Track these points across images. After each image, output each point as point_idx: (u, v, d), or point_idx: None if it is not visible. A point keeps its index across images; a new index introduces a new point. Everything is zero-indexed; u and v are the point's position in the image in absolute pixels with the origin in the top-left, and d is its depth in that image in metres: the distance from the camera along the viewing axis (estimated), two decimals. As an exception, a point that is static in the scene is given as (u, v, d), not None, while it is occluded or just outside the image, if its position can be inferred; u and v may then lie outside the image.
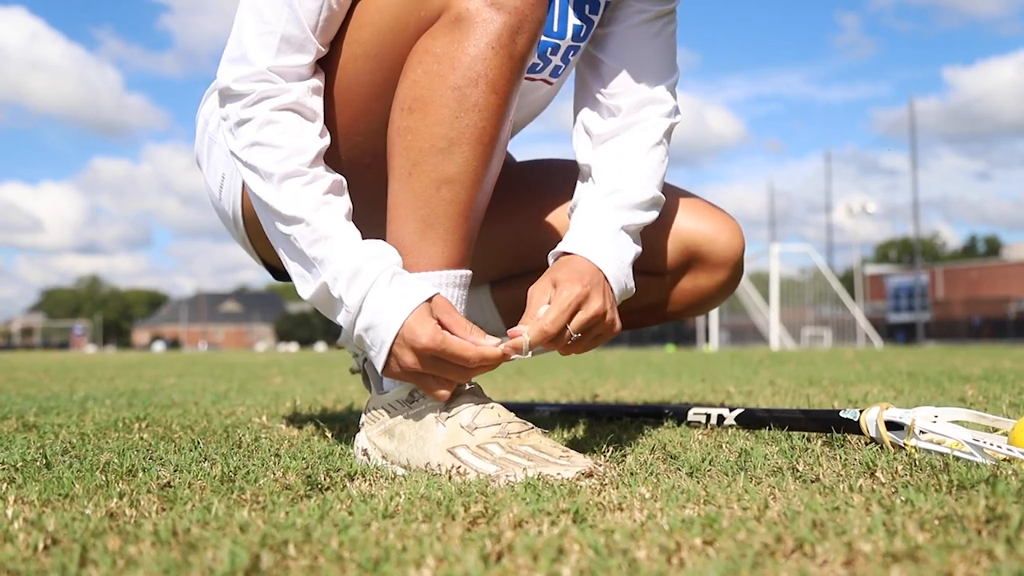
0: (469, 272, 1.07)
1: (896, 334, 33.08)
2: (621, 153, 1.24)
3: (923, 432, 1.09)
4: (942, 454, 1.04)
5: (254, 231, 1.25)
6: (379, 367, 1.02)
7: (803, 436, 1.26)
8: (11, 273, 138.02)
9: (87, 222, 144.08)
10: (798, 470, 0.97)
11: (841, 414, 1.22)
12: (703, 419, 1.42)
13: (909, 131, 26.59)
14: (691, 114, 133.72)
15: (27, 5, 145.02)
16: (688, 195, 1.41)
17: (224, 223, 1.32)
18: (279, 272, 1.36)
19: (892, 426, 1.14)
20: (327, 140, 1.07)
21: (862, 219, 33.63)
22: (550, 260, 1.17)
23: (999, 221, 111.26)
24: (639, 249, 1.20)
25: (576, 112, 1.32)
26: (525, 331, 1.02)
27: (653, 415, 1.52)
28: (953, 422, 1.11)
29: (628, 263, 1.16)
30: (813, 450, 1.11)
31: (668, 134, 1.28)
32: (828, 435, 1.23)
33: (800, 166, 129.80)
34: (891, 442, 1.12)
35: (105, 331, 78.46)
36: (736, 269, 1.38)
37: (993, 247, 63.25)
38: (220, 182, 1.25)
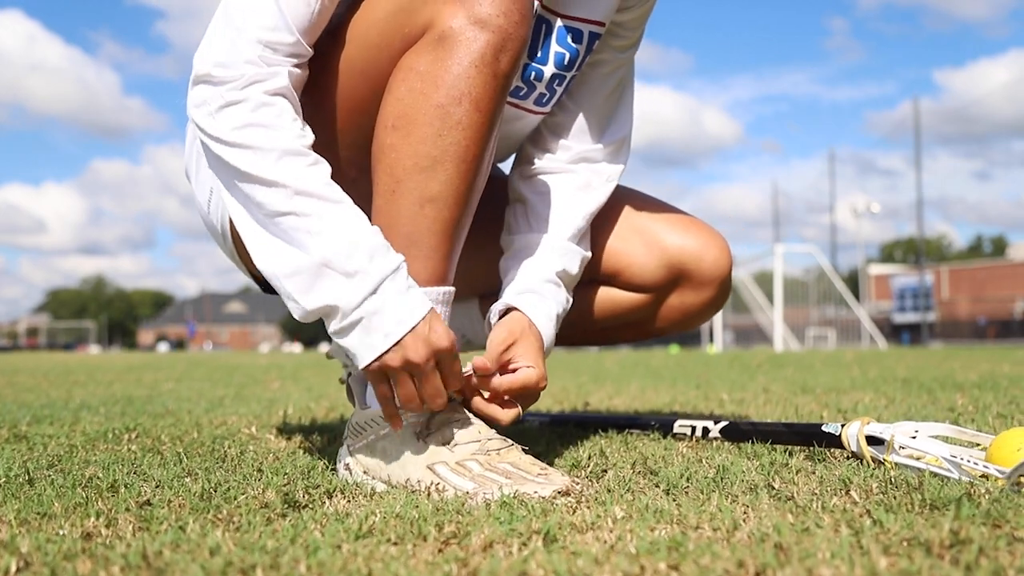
0: (452, 289, 1.08)
1: (901, 334, 33.04)
2: (573, 214, 1.32)
3: (902, 447, 1.10)
4: (920, 470, 1.05)
5: (243, 245, 1.26)
6: (369, 356, 0.97)
7: (785, 450, 1.26)
8: (15, 274, 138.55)
9: (89, 223, 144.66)
10: (774, 487, 0.97)
11: (823, 428, 1.22)
12: (688, 431, 1.43)
13: (911, 131, 26.52)
14: (687, 116, 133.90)
15: (24, 7, 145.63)
16: (674, 210, 1.42)
17: (212, 236, 1.33)
18: (268, 285, 1.37)
19: (873, 441, 1.14)
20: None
21: (864, 219, 33.59)
22: (498, 310, 1.22)
23: (999, 221, 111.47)
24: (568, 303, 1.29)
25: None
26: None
27: (640, 427, 1.52)
28: (933, 437, 1.12)
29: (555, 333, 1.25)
30: (792, 465, 1.12)
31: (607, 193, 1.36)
32: (809, 451, 1.23)
33: (798, 167, 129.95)
34: (872, 457, 1.13)
35: (110, 331, 78.67)
36: (723, 287, 1.39)
37: (999, 247, 63.12)
38: (208, 196, 1.25)
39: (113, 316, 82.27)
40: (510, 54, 1.02)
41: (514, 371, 1.14)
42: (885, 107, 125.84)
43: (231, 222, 1.24)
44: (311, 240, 0.98)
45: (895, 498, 0.89)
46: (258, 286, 1.38)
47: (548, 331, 1.21)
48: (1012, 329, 31.11)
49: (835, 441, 1.20)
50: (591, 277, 1.40)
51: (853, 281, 34.79)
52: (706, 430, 1.40)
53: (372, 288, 0.97)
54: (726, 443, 1.37)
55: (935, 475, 1.02)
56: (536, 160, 1.36)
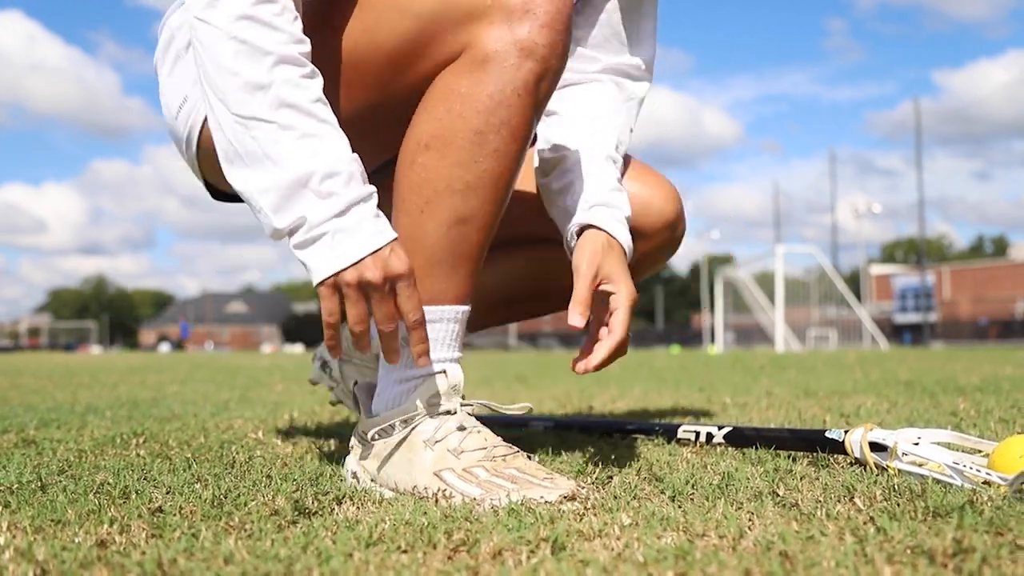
0: (469, 308, 1.09)
1: (903, 335, 33.04)
2: (614, 124, 1.31)
3: (905, 454, 1.11)
4: (923, 476, 1.06)
5: (205, 155, 1.21)
6: (327, 271, 0.96)
7: (789, 456, 1.27)
8: (15, 274, 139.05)
9: (90, 223, 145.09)
10: (778, 494, 0.98)
11: (827, 434, 1.23)
12: (692, 436, 1.44)
13: (911, 131, 26.52)
14: (687, 116, 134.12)
15: (24, 7, 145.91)
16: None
17: (174, 141, 1.28)
18: (219, 192, 1.32)
19: (876, 447, 1.15)
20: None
21: (864, 219, 33.60)
22: (575, 230, 1.20)
23: (999, 221, 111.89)
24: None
25: None
26: (602, 348, 1.14)
27: (644, 433, 1.53)
28: (936, 443, 1.13)
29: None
30: (796, 472, 1.13)
31: (640, 102, 1.36)
32: (812, 456, 1.24)
33: (798, 167, 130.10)
34: (875, 463, 1.14)
35: (112, 331, 78.72)
36: (671, 232, 1.38)
37: (1000, 247, 63.12)
38: (181, 103, 1.22)
39: (114, 316, 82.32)
40: (549, 81, 1.03)
41: (605, 293, 1.16)
42: (885, 107, 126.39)
43: (200, 131, 1.19)
44: (289, 156, 0.95)
45: (899, 505, 0.90)
46: (210, 193, 1.34)
47: (627, 240, 1.21)
48: (1014, 329, 31.11)
49: (838, 447, 1.21)
50: (545, 235, 1.37)
51: (854, 281, 34.79)
52: (710, 435, 1.41)
53: (341, 209, 0.95)
54: (730, 449, 1.38)
55: (938, 482, 1.03)
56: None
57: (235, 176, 0.98)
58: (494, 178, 1.02)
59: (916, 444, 1.11)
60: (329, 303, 0.98)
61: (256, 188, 0.96)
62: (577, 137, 1.29)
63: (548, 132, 1.32)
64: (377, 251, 0.96)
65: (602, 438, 1.56)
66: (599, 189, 1.23)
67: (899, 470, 1.10)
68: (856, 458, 1.18)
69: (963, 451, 1.15)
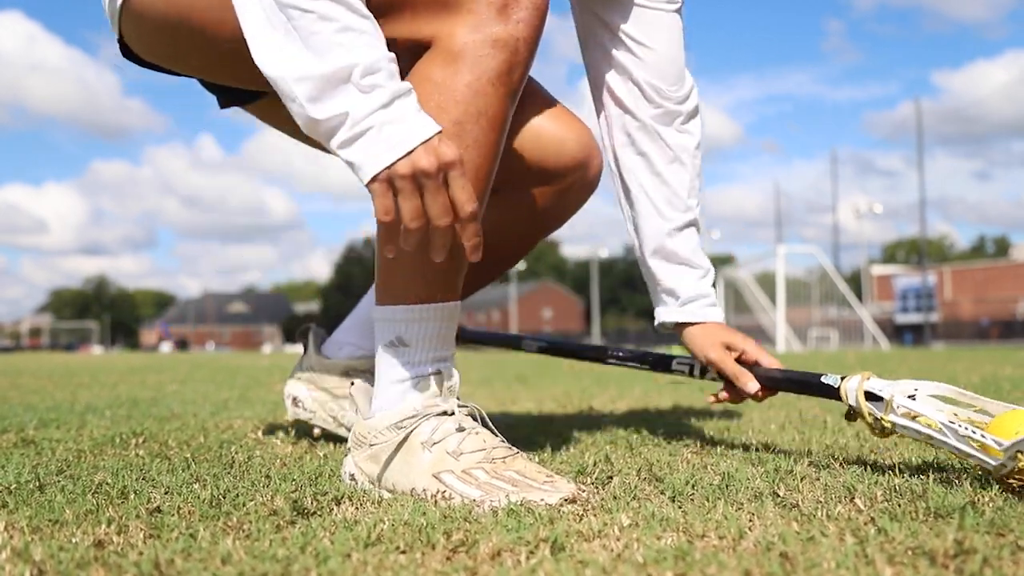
0: (459, 302, 1.08)
1: (904, 335, 33.02)
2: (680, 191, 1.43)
3: (900, 407, 1.09)
4: (918, 432, 1.05)
5: (128, 15, 1.18)
6: (379, 165, 0.92)
7: (790, 456, 1.26)
8: (16, 274, 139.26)
9: (91, 223, 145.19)
10: (779, 495, 0.98)
11: (822, 379, 1.22)
12: (686, 369, 1.45)
13: (911, 131, 26.54)
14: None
15: (24, 7, 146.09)
16: (544, 101, 1.38)
17: None
18: (133, 55, 1.26)
19: (872, 397, 1.14)
20: None
21: (865, 220, 33.60)
22: (673, 323, 1.45)
23: (1000, 221, 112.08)
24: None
25: (608, 91, 1.43)
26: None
27: (636, 360, 1.52)
28: (933, 395, 1.11)
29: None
30: (797, 472, 1.12)
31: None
32: (814, 457, 1.24)
33: (798, 167, 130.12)
34: (869, 413, 1.13)
35: (113, 331, 78.75)
36: (585, 172, 1.39)
37: (1002, 247, 63.12)
38: None
39: (115, 316, 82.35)
40: (521, 69, 1.03)
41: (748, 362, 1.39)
42: (884, 107, 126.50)
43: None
44: (330, 49, 0.91)
45: (899, 506, 0.90)
46: (122, 54, 1.27)
47: (719, 316, 1.44)
48: (1015, 330, 31.09)
49: (833, 393, 1.20)
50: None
51: (855, 282, 34.78)
52: (704, 370, 1.41)
53: (385, 102, 0.92)
54: (731, 449, 1.37)
55: (939, 482, 1.02)
56: (642, 109, 1.41)
57: (268, 60, 0.94)
58: (474, 169, 1.02)
59: (911, 397, 1.09)
60: (384, 200, 0.93)
61: (291, 76, 0.92)
62: (647, 200, 1.42)
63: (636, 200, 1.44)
64: (428, 140, 0.93)
65: (602, 438, 1.55)
66: (684, 279, 1.42)
67: (894, 423, 1.09)
68: (851, 406, 1.16)
69: (960, 406, 1.12)
